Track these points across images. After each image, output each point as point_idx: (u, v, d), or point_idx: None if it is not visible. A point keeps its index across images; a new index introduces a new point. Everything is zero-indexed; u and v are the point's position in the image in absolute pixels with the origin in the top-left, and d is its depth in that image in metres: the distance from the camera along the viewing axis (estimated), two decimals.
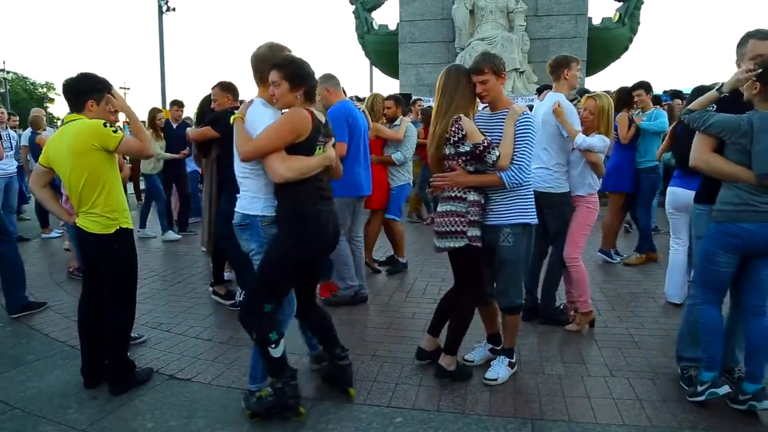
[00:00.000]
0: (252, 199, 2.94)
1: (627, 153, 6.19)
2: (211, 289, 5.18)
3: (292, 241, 2.87)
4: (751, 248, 2.95)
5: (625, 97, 6.36)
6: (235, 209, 3.00)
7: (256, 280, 2.93)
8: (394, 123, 6.03)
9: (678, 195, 4.67)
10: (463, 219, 3.19)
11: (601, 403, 3.13)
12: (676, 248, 4.89)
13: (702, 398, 3.06)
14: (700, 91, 3.77)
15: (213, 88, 4.96)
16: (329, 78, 4.84)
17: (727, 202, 2.99)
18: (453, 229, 3.20)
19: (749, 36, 3.12)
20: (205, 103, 5.21)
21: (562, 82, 4.35)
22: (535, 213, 3.35)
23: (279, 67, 2.85)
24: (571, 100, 4.52)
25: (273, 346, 2.85)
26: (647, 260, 6.35)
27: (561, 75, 4.34)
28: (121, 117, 3.64)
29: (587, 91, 6.86)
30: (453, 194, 3.23)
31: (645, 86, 6.45)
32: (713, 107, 3.07)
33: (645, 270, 6.02)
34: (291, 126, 2.80)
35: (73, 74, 3.32)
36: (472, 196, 3.23)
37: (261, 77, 3.00)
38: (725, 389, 3.04)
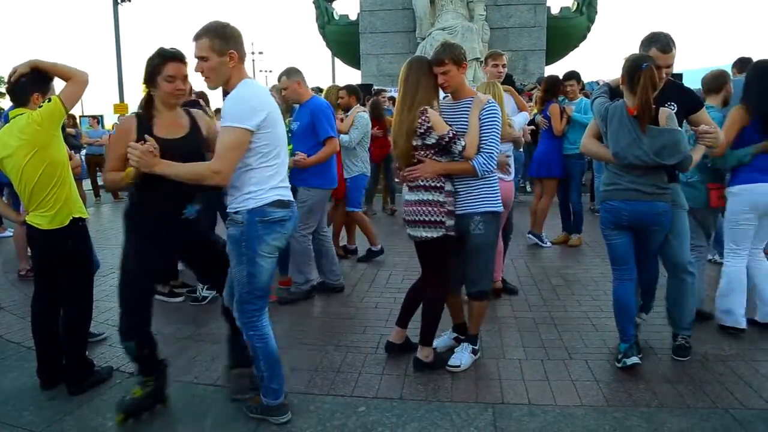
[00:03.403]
0: None
1: (556, 140, 6.45)
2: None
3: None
4: (624, 222, 3.33)
5: (552, 87, 6.53)
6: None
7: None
8: (347, 114, 6.04)
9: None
10: (441, 209, 3.20)
11: (560, 386, 3.21)
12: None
13: (619, 365, 3.36)
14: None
15: None
16: (298, 71, 4.76)
17: (603, 183, 3.45)
18: (431, 219, 3.20)
19: (651, 42, 3.39)
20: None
21: None
22: (500, 200, 3.40)
23: None
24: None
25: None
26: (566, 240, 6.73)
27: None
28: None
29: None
30: (429, 183, 3.21)
31: (576, 76, 6.73)
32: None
33: (603, 254, 6.12)
34: None
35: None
36: (449, 186, 3.25)
37: None
38: (633, 360, 3.32)
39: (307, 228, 4.74)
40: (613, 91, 3.49)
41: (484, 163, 3.19)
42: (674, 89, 3.45)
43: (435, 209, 3.20)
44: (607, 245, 3.50)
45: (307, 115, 4.67)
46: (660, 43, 3.35)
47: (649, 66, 3.11)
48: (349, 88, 6.28)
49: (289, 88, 4.68)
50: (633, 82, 3.16)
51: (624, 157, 3.21)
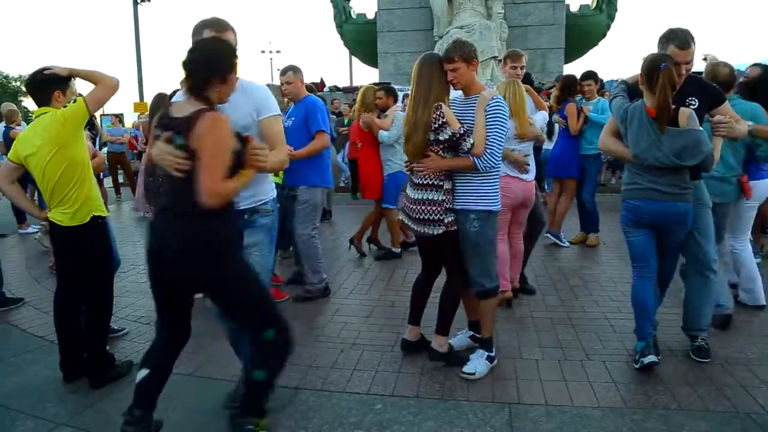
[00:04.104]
0: None
1: (573, 140, 6.39)
2: None
3: None
4: (644, 221, 3.34)
5: (568, 86, 6.47)
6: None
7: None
8: (385, 114, 6.07)
9: None
10: (439, 208, 3.24)
11: (578, 387, 3.19)
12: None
13: (637, 366, 3.34)
14: None
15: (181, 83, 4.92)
16: (301, 70, 4.84)
17: (624, 182, 3.48)
18: (430, 218, 3.25)
19: (669, 40, 3.36)
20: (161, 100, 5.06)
21: None
22: (498, 201, 3.37)
23: None
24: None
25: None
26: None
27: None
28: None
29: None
30: (429, 182, 3.26)
31: (594, 76, 6.67)
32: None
33: (622, 255, 6.09)
34: None
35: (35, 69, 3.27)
36: (447, 184, 3.27)
37: None
38: (650, 358, 3.29)
39: (315, 228, 4.82)
40: (631, 89, 3.47)
41: (486, 159, 3.20)
42: (695, 85, 3.43)
43: (434, 208, 3.25)
44: (627, 242, 3.50)
45: (302, 111, 4.74)
46: (678, 39, 3.32)
47: (668, 66, 3.10)
48: (387, 89, 6.30)
49: (294, 84, 4.76)
50: (652, 81, 3.16)
51: (644, 158, 3.21)
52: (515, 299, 4.60)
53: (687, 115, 3.17)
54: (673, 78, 3.11)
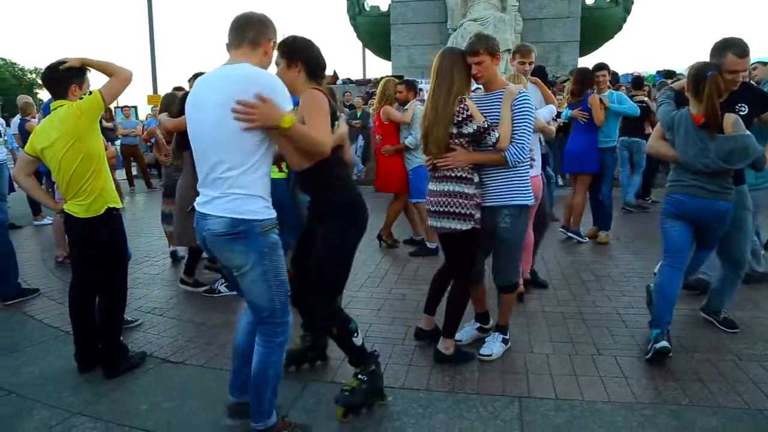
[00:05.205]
0: (248, 199, 2.35)
1: (592, 135, 6.28)
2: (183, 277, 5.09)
3: (351, 230, 2.82)
4: (688, 215, 3.44)
5: (584, 79, 6.32)
6: (221, 214, 2.33)
7: (321, 282, 2.79)
8: (405, 107, 6.05)
9: None
10: (471, 202, 3.18)
11: (588, 381, 3.19)
12: None
13: (648, 356, 3.37)
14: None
15: (190, 81, 4.96)
16: None
17: (669, 179, 3.59)
18: (461, 211, 3.17)
19: (727, 48, 3.36)
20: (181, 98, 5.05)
21: None
22: (531, 194, 3.36)
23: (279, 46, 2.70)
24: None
25: (356, 335, 2.87)
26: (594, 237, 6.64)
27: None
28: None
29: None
30: (459, 174, 3.19)
31: (607, 67, 6.54)
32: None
33: (635, 250, 6.08)
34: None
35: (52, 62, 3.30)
36: (476, 177, 3.23)
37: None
38: (662, 344, 3.33)
39: None
40: (678, 96, 3.53)
41: (515, 153, 3.16)
42: (743, 90, 3.50)
43: (464, 201, 3.17)
44: (662, 233, 3.59)
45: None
46: (737, 47, 3.35)
47: (714, 74, 3.16)
48: (408, 83, 6.23)
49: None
50: (698, 90, 3.21)
51: (692, 165, 3.31)
52: (526, 293, 4.59)
53: (732, 121, 3.21)
54: (720, 86, 3.17)
